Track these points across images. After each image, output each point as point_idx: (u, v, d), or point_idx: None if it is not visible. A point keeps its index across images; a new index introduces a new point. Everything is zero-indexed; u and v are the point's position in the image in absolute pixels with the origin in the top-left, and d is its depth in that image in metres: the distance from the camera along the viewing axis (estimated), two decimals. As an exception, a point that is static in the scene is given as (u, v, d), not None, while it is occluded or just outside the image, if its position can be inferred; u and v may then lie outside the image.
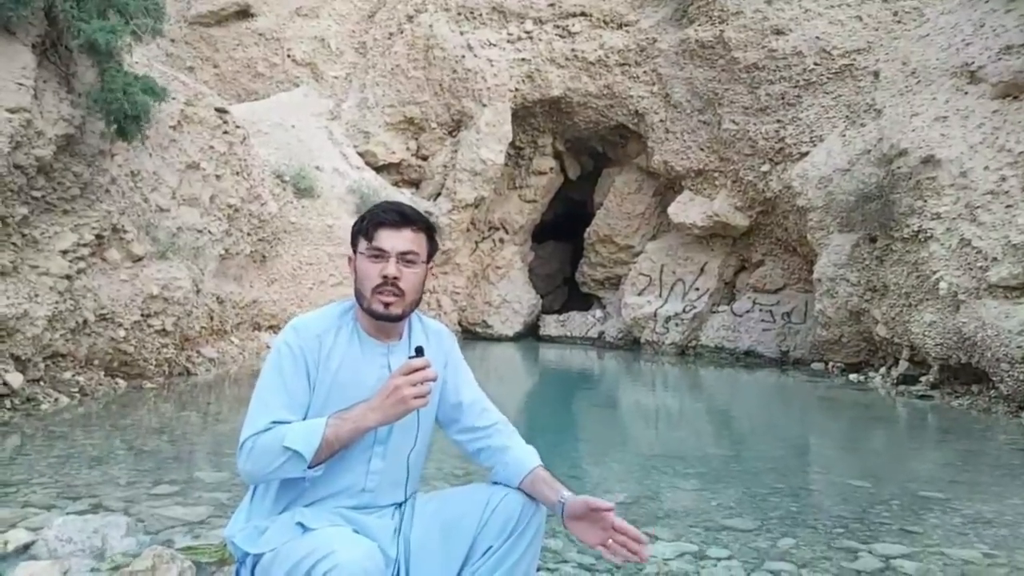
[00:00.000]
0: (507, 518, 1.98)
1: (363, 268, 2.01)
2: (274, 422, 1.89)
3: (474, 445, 2.16)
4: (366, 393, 1.97)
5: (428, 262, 2.08)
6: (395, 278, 1.98)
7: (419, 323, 2.17)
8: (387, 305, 2.00)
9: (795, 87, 12.85)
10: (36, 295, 6.61)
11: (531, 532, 1.99)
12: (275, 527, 1.92)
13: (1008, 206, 8.73)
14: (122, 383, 7.64)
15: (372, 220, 2.02)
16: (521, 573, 1.98)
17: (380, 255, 1.99)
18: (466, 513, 2.02)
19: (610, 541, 1.90)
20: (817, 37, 12.56)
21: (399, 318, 2.04)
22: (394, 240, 2.00)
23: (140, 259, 8.04)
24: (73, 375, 7.13)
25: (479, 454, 2.16)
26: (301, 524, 1.90)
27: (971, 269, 8.81)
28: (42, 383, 6.73)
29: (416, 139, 16.23)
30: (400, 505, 2.11)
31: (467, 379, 2.22)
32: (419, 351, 1.93)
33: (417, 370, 1.88)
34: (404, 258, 2.00)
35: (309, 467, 1.86)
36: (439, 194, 15.84)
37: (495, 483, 2.11)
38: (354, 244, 2.07)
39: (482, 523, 1.98)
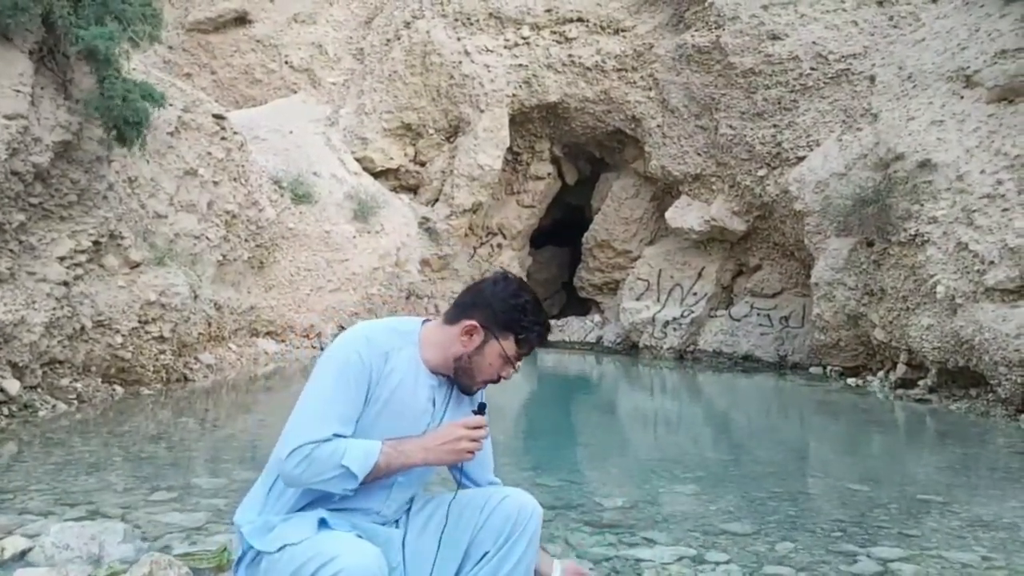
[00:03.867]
0: (503, 520, 1.99)
1: (495, 363, 2.05)
2: (335, 434, 1.88)
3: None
4: (412, 419, 2.01)
5: None
6: None
7: None
8: (480, 389, 2.12)
9: (792, 92, 12.88)
10: (33, 302, 6.60)
11: (527, 537, 2.01)
12: (282, 527, 1.92)
13: (1004, 209, 8.75)
14: (119, 390, 7.62)
15: (538, 337, 2.07)
16: None
17: (517, 362, 2.08)
18: (463, 517, 2.03)
19: None
20: (813, 42, 12.60)
21: None
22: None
23: (137, 265, 8.04)
24: (70, 382, 7.11)
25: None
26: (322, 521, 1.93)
27: (968, 272, 8.82)
28: (39, 390, 6.71)
29: (414, 145, 16.25)
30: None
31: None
32: (482, 408, 2.04)
33: (478, 427, 1.97)
34: None
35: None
36: (437, 199, 15.86)
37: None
38: (498, 331, 2.03)
39: (478, 526, 2.00)
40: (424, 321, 2.14)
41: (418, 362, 2.05)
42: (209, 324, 9.56)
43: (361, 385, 1.95)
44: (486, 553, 1.99)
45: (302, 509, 1.97)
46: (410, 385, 2.02)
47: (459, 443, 1.93)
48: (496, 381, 2.09)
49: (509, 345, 2.02)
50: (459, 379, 2.06)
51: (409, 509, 2.14)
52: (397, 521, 2.12)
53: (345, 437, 1.90)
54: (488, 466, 2.24)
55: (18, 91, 6.48)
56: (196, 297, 8.86)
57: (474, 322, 2.02)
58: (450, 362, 2.04)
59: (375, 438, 1.92)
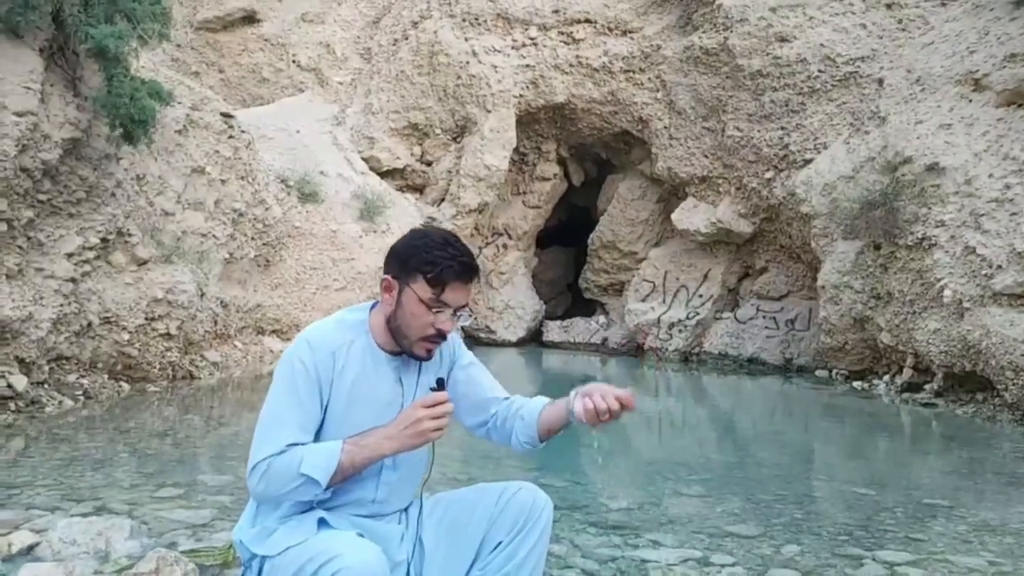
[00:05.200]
0: (519, 512, 2.00)
1: (417, 313, 1.93)
2: (289, 444, 1.87)
3: (491, 429, 2.19)
4: (380, 406, 1.97)
5: None
6: (449, 332, 1.97)
7: None
8: (429, 352, 1.99)
9: (799, 94, 12.84)
10: (41, 298, 6.63)
11: (540, 527, 2.01)
12: (283, 529, 1.92)
13: (1013, 214, 8.72)
14: (126, 386, 7.65)
15: (445, 270, 1.91)
16: (529, 568, 1.99)
17: (442, 308, 1.94)
18: (477, 511, 2.04)
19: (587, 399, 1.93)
20: (821, 44, 12.56)
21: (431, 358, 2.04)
22: (460, 295, 1.94)
23: (145, 263, 8.07)
24: (77, 378, 7.14)
25: (495, 433, 2.18)
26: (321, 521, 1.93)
27: (976, 277, 8.79)
28: (46, 386, 6.74)
29: (420, 145, 16.26)
30: (405, 509, 2.13)
31: (480, 372, 2.22)
32: (440, 383, 1.93)
33: (438, 403, 1.89)
34: (459, 311, 1.97)
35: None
36: (443, 199, 15.86)
37: (515, 444, 2.14)
38: (405, 276, 1.94)
39: (493, 519, 2.01)
40: (373, 305, 2.07)
41: (373, 349, 2.01)
42: (215, 322, 9.59)
43: (312, 391, 1.91)
44: (500, 542, 1.99)
45: (298, 512, 1.97)
46: (370, 376, 1.98)
47: (420, 424, 1.85)
48: (436, 337, 1.94)
49: (421, 288, 1.90)
50: (400, 346, 1.98)
51: (421, 507, 2.14)
52: (405, 512, 2.12)
53: (303, 444, 1.87)
54: (492, 400, 2.17)
55: (28, 88, 6.51)
56: (203, 295, 8.89)
57: (386, 277, 1.97)
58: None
59: (347, 436, 1.90)
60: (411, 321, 1.94)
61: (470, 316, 2.04)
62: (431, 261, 1.91)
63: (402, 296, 1.94)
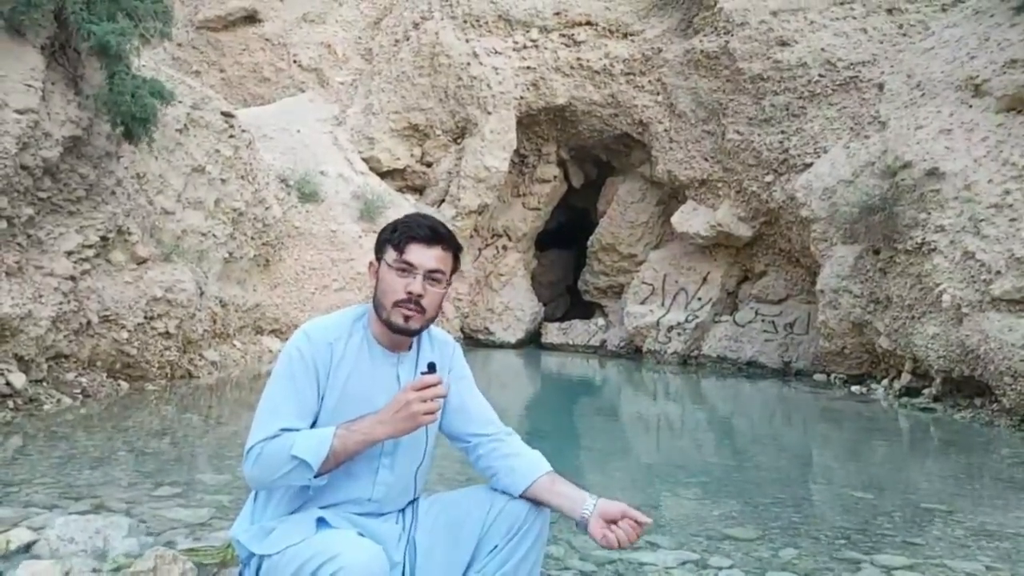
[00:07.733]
0: (512, 521, 2.00)
1: (388, 279, 2.00)
2: (283, 429, 1.90)
3: (476, 453, 2.16)
4: (375, 403, 1.98)
5: (449, 281, 2.08)
6: (419, 295, 1.98)
7: (426, 333, 2.17)
8: (407, 319, 2.00)
9: (800, 98, 12.87)
10: (40, 296, 6.62)
11: (535, 531, 2.01)
12: (282, 528, 1.93)
13: (1012, 219, 8.72)
14: (124, 385, 7.64)
15: (404, 233, 2.00)
16: (525, 573, 1.99)
17: (408, 270, 1.99)
18: (470, 515, 2.04)
19: (615, 528, 1.92)
20: (822, 49, 12.59)
21: (416, 332, 2.05)
22: (424, 257, 1.99)
23: (144, 261, 8.06)
24: (76, 376, 7.14)
25: (480, 461, 2.16)
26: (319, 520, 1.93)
27: (974, 282, 8.80)
28: (45, 384, 6.73)
29: (421, 145, 16.28)
30: (403, 510, 2.13)
31: (470, 389, 2.22)
32: (431, 367, 1.94)
33: (429, 386, 1.89)
34: (430, 276, 2.00)
35: (315, 476, 1.88)
36: (443, 201, 15.87)
37: (492, 483, 2.10)
38: (379, 252, 2.04)
39: (488, 523, 2.00)
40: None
41: (371, 345, 2.05)
42: (214, 321, 9.58)
43: (309, 380, 1.95)
44: (495, 546, 1.99)
45: (295, 511, 1.98)
46: (365, 370, 2.02)
47: (411, 407, 1.87)
48: (408, 301, 1.98)
49: (389, 255, 2.00)
50: (381, 318, 2.01)
51: (417, 507, 2.14)
52: (403, 512, 2.12)
53: (297, 430, 1.91)
54: (477, 419, 2.16)
55: (29, 86, 6.51)
56: (202, 294, 8.88)
57: (371, 262, 2.09)
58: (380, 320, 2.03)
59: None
60: (386, 290, 2.00)
61: (448, 284, 2.07)
62: (394, 229, 2.03)
63: (381, 269, 2.03)
